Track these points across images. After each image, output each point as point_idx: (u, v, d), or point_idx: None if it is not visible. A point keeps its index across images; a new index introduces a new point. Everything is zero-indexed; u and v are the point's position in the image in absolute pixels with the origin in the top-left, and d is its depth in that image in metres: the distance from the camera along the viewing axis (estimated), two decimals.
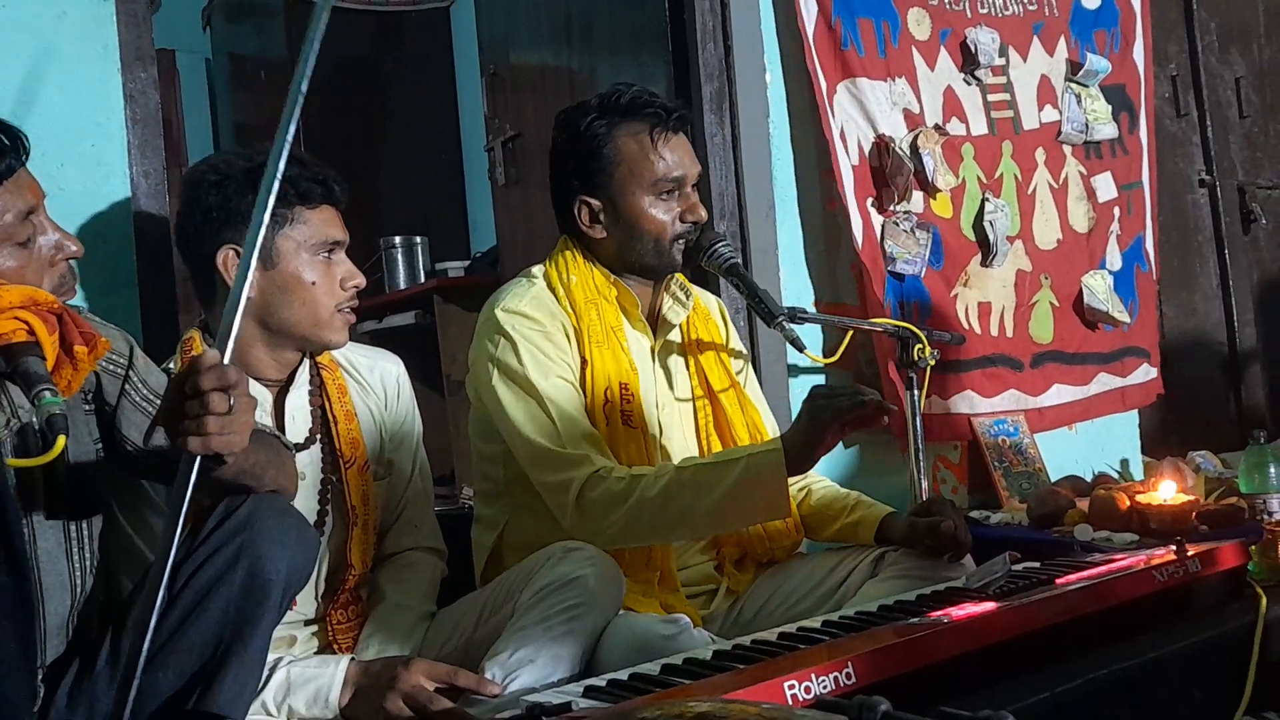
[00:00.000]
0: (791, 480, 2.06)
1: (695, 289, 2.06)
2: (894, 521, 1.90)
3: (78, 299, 1.59)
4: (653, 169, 1.86)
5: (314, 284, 1.68)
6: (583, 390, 1.83)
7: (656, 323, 1.97)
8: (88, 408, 1.41)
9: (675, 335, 1.99)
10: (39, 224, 1.39)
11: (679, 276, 1.99)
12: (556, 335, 1.83)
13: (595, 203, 1.89)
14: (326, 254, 1.70)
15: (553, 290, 1.89)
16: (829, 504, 2.01)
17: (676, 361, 1.98)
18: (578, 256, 1.91)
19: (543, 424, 1.77)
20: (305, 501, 1.72)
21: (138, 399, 1.43)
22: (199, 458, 1.12)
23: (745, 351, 2.15)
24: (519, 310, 1.83)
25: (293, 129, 1.05)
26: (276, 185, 1.02)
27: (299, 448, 1.73)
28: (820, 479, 2.09)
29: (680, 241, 1.89)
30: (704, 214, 1.91)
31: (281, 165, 1.02)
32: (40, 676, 1.35)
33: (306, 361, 1.77)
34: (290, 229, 1.67)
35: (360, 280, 1.73)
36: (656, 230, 1.87)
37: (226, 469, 1.27)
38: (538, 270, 1.93)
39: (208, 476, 1.21)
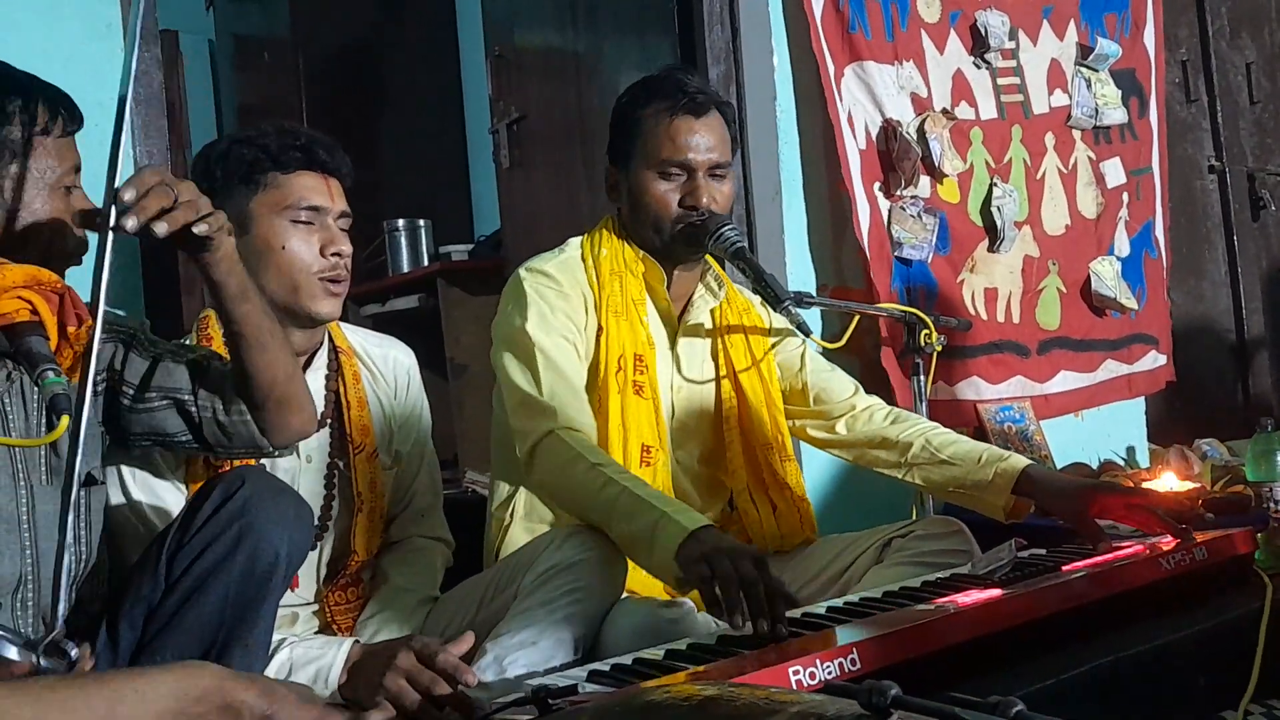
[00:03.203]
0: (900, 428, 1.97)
1: (734, 285, 2.05)
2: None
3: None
4: (659, 147, 1.86)
5: (284, 249, 1.65)
6: (595, 357, 1.84)
7: (686, 308, 1.97)
8: (100, 383, 1.42)
9: (705, 320, 1.98)
10: (79, 189, 1.42)
11: (715, 268, 1.99)
12: (573, 296, 1.85)
13: (618, 172, 1.93)
14: (304, 220, 1.67)
15: (583, 260, 1.91)
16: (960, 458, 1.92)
17: (700, 344, 1.98)
18: (612, 232, 1.94)
19: (528, 373, 1.78)
20: (311, 485, 1.72)
21: (145, 343, 1.47)
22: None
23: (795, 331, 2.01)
24: (540, 269, 1.87)
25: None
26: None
27: None
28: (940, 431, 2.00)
29: (683, 227, 1.88)
30: (704, 201, 1.87)
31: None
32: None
33: (325, 344, 1.77)
34: (263, 194, 1.65)
35: (343, 246, 1.68)
36: (655, 207, 1.87)
37: (220, 260, 1.33)
38: (574, 241, 1.96)
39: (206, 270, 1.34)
